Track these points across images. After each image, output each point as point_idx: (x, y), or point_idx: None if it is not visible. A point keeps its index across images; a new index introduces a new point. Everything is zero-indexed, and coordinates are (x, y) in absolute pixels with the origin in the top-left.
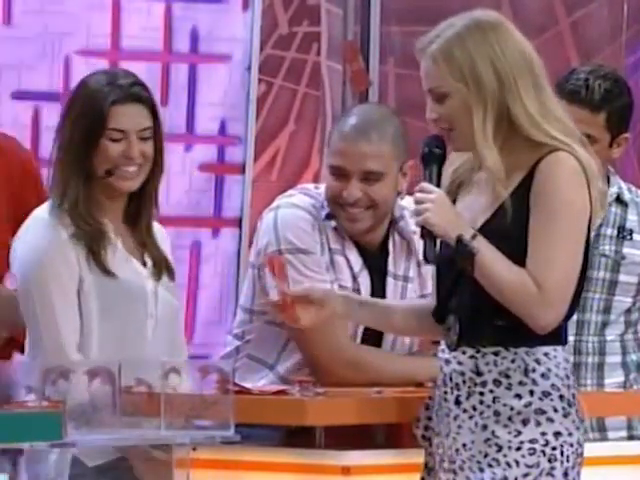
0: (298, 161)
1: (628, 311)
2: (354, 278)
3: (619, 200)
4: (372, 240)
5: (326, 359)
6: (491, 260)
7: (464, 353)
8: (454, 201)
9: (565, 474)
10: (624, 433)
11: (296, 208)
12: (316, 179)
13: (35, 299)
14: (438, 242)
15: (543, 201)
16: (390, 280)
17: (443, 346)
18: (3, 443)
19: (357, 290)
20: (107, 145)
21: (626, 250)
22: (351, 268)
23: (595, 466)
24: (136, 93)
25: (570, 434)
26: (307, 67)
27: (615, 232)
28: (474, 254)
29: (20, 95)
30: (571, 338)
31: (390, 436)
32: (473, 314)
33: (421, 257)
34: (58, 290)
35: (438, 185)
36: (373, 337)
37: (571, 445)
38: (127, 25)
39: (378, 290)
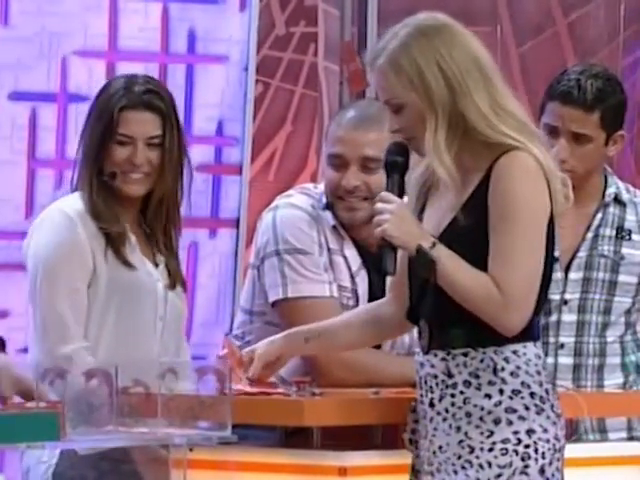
0: (295, 162)
1: (628, 312)
2: (352, 278)
3: (617, 200)
4: (370, 237)
5: (323, 360)
6: (452, 268)
7: (436, 356)
8: (424, 203)
9: (542, 471)
10: (624, 434)
11: (295, 208)
12: (313, 179)
13: (41, 289)
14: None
15: (500, 203)
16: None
17: (418, 349)
18: (0, 444)
19: (355, 290)
20: (114, 149)
21: (625, 250)
22: (349, 268)
23: (595, 466)
24: (147, 101)
25: (545, 430)
26: (304, 68)
27: (614, 232)
28: (434, 263)
29: (17, 96)
30: (572, 340)
31: (387, 437)
32: (441, 317)
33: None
34: (65, 283)
35: (400, 194)
36: None
37: (547, 441)
38: (124, 26)
39: (378, 289)
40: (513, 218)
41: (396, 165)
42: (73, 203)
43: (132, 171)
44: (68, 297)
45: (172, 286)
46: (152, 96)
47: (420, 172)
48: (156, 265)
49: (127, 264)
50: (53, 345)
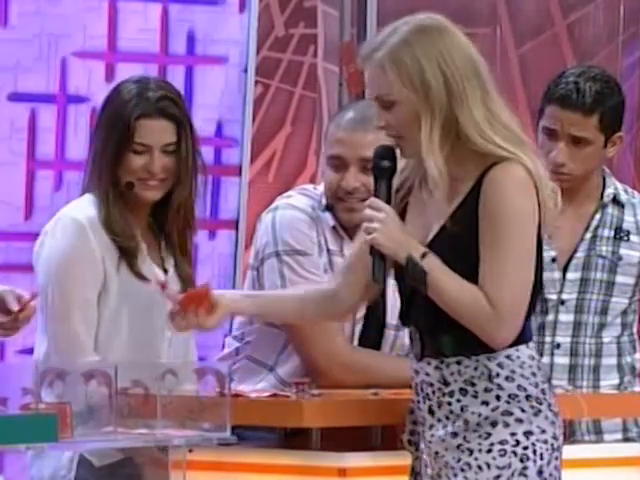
0: (295, 163)
1: (624, 312)
2: None
3: (615, 201)
4: None
5: (322, 362)
6: (442, 280)
7: (429, 364)
8: (406, 204)
9: (540, 472)
10: (619, 435)
11: (294, 209)
12: (313, 181)
13: (54, 300)
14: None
15: (491, 215)
16: (390, 280)
17: (412, 355)
18: None
19: None
20: (131, 157)
21: (623, 251)
22: None
23: (591, 467)
24: (163, 108)
25: (543, 431)
26: (304, 69)
27: (612, 233)
28: (425, 274)
29: (16, 97)
30: (568, 340)
31: (386, 438)
32: (431, 326)
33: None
34: (78, 295)
35: (388, 200)
36: (372, 339)
37: (545, 442)
38: (124, 27)
39: None
40: (504, 231)
41: (384, 170)
42: (85, 209)
43: (149, 179)
44: (80, 309)
45: (183, 292)
46: (167, 103)
47: (400, 172)
48: (165, 271)
49: (140, 276)
50: (65, 357)
